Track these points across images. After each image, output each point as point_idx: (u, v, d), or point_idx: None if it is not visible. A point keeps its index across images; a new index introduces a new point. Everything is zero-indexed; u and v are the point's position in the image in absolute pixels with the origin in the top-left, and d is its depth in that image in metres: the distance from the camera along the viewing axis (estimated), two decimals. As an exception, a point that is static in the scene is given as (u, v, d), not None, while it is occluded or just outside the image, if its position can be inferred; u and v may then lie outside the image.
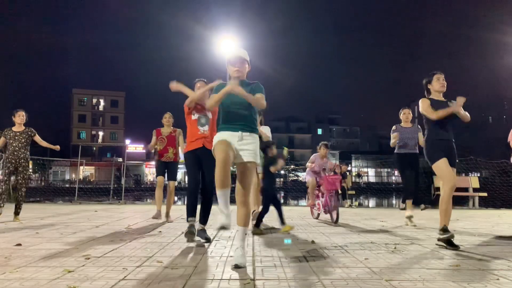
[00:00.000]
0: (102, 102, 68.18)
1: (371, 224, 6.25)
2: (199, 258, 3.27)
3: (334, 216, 6.05)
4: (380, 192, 27.17)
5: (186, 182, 4.77)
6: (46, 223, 5.83)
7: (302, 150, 70.97)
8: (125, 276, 2.63)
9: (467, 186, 11.56)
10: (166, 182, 6.49)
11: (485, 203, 12.61)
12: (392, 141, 6.24)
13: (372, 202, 25.34)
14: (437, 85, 4.21)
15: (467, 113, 4.14)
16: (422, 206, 9.86)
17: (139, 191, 33.48)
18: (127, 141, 50.53)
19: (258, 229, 4.97)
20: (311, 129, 75.46)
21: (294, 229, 4.95)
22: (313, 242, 4.19)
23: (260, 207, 6.22)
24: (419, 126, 6.32)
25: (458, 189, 11.28)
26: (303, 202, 19.68)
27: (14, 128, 6.40)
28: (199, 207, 4.34)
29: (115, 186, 17.42)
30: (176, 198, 16.17)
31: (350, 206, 11.82)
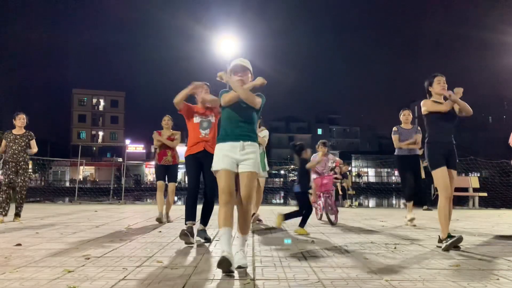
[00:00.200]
0: (102, 102, 68.16)
1: (371, 224, 6.25)
2: (199, 258, 3.27)
3: (332, 218, 6.02)
4: (380, 192, 27.18)
5: (186, 183, 4.77)
6: (46, 223, 5.83)
7: (302, 150, 70.85)
8: (125, 276, 2.63)
9: (467, 186, 11.56)
10: (168, 184, 6.48)
11: (485, 203, 12.60)
12: (395, 143, 6.27)
13: (372, 202, 25.32)
14: (438, 87, 4.21)
15: (466, 104, 4.13)
16: (425, 207, 9.88)
17: (139, 191, 33.46)
18: (127, 141, 50.53)
19: (303, 229, 4.98)
20: (311, 129, 75.43)
21: (308, 235, 4.83)
22: (313, 242, 4.19)
23: (259, 208, 6.22)
24: (419, 128, 6.32)
25: (458, 189, 11.33)
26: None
27: (14, 131, 6.39)
28: (199, 207, 4.34)
29: (115, 186, 17.41)
30: (176, 198, 16.17)
31: (350, 206, 11.81)
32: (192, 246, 3.87)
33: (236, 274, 2.75)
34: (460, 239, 3.80)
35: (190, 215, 4.38)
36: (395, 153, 6.31)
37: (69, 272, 2.74)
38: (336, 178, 9.57)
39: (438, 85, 4.20)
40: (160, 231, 4.98)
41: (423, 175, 7.15)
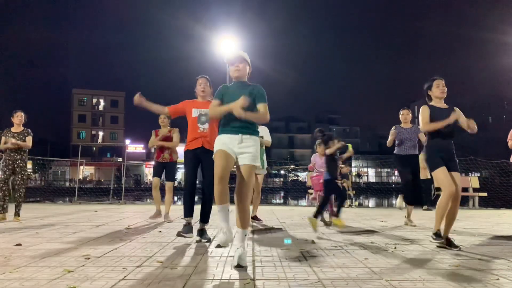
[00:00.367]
0: (102, 102, 68.18)
1: (371, 224, 6.25)
2: (199, 258, 3.27)
3: (327, 218, 5.93)
4: (380, 192, 27.21)
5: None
6: (46, 223, 5.83)
7: (302, 150, 70.95)
8: (125, 276, 2.63)
9: (467, 186, 11.54)
10: (165, 183, 6.47)
11: (485, 203, 12.60)
12: (389, 138, 6.26)
13: (372, 202, 25.33)
14: (437, 91, 4.20)
15: (472, 122, 4.04)
16: (425, 207, 9.88)
17: (139, 191, 33.47)
18: (127, 141, 50.59)
19: (314, 219, 4.91)
20: (311, 129, 75.28)
21: (345, 227, 4.81)
22: (313, 242, 4.19)
23: (258, 209, 6.18)
24: (419, 127, 6.31)
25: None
26: (303, 202, 19.68)
27: (12, 129, 6.39)
28: (199, 207, 4.34)
29: (115, 186, 17.42)
30: (176, 198, 16.17)
31: (350, 206, 11.82)
32: (192, 246, 3.87)
33: (236, 274, 2.75)
34: (442, 243, 3.89)
35: (187, 212, 4.39)
36: (394, 152, 6.30)
37: (69, 272, 2.74)
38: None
39: (437, 89, 4.19)
40: (160, 231, 4.98)
41: (425, 175, 7.14)
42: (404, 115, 6.34)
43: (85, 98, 67.12)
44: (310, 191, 11.66)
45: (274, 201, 25.18)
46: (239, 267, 2.90)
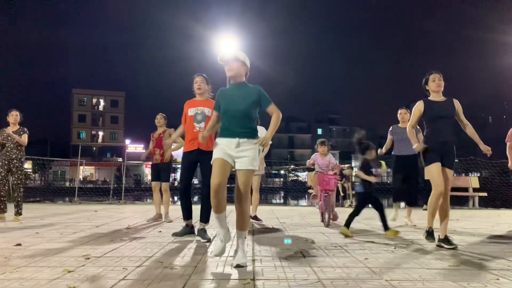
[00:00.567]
0: (102, 102, 68.17)
1: (371, 224, 6.24)
2: (199, 258, 3.27)
3: (326, 218, 5.80)
4: (380, 192, 27.10)
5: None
6: (46, 223, 5.83)
7: (302, 150, 70.94)
8: (125, 276, 2.63)
9: (467, 186, 11.54)
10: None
11: (485, 203, 12.59)
12: (386, 142, 6.25)
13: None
14: (433, 85, 4.21)
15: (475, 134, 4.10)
16: (425, 206, 9.86)
17: (139, 191, 33.47)
18: (127, 141, 50.57)
19: (347, 229, 4.66)
20: (311, 129, 75.43)
21: (400, 233, 4.49)
22: (313, 242, 4.19)
23: (257, 209, 6.13)
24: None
25: (458, 189, 11.31)
26: (303, 202, 19.68)
27: (8, 129, 6.36)
28: (199, 207, 4.34)
29: (115, 186, 17.42)
30: (176, 198, 16.16)
31: (350, 206, 11.81)
32: (192, 246, 3.87)
33: (236, 274, 2.75)
34: (433, 241, 3.95)
35: (184, 215, 4.41)
36: (392, 153, 6.27)
37: (69, 272, 2.74)
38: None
39: (433, 83, 4.21)
40: (160, 231, 4.98)
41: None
42: (402, 114, 6.30)
43: (85, 98, 67.11)
44: (311, 190, 11.65)
45: (274, 201, 25.18)
46: (239, 267, 2.91)
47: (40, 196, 16.92)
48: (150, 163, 6.60)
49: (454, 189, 9.54)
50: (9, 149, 6.25)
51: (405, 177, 6.07)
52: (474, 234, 5.06)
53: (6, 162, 6.23)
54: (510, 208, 11.19)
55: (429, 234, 4.01)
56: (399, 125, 6.33)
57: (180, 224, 5.72)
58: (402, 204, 6.65)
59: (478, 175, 15.67)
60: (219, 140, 3.15)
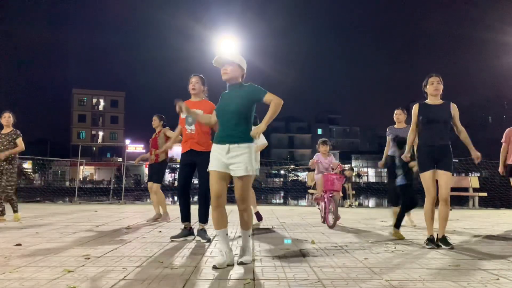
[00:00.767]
0: (102, 102, 68.18)
1: (371, 224, 6.25)
2: (199, 258, 3.28)
3: (331, 220, 5.69)
4: (380, 192, 27.14)
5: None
6: (46, 223, 5.83)
7: (302, 150, 71.00)
8: (125, 276, 2.63)
9: (467, 186, 11.54)
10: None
11: (485, 203, 12.60)
12: (385, 148, 6.23)
13: (372, 202, 25.32)
14: (431, 88, 4.20)
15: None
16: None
17: (139, 191, 33.45)
18: (127, 141, 50.56)
19: (397, 230, 4.61)
20: (311, 129, 75.46)
21: (403, 239, 4.46)
22: (313, 242, 4.19)
23: (256, 208, 6.05)
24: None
25: (458, 189, 11.30)
26: (303, 202, 19.68)
27: (1, 131, 6.31)
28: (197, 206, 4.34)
29: (115, 186, 17.42)
30: (175, 198, 16.16)
31: (350, 206, 11.82)
32: (192, 246, 3.87)
33: (235, 274, 2.75)
34: (433, 247, 3.88)
35: (182, 216, 4.41)
36: (389, 154, 6.23)
37: (69, 272, 2.74)
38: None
39: (431, 86, 4.19)
40: (160, 231, 4.98)
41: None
42: (397, 115, 6.25)
43: (85, 98, 67.11)
44: (311, 190, 11.64)
45: (274, 201, 25.18)
46: (242, 264, 2.97)
47: (40, 196, 16.91)
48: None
49: (454, 189, 9.53)
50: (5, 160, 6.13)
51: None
52: (474, 234, 5.06)
53: None
54: (510, 208, 11.19)
55: (430, 241, 3.96)
56: (395, 126, 6.32)
57: (180, 224, 5.71)
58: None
59: (478, 175, 15.68)
60: (213, 147, 3.15)
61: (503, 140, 6.18)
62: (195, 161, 4.26)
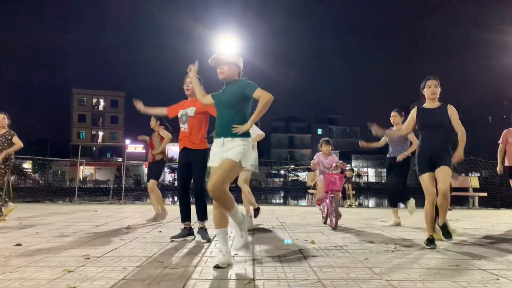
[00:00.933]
0: (102, 102, 68.20)
1: (371, 224, 6.25)
2: (199, 258, 3.28)
3: (333, 221, 5.59)
4: (380, 192, 27.12)
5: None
6: (46, 223, 5.83)
7: (302, 150, 71.01)
8: (125, 276, 2.63)
9: (467, 186, 11.54)
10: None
11: (485, 203, 12.60)
12: (381, 139, 6.25)
13: (372, 202, 25.32)
14: (428, 92, 4.21)
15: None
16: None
17: (139, 191, 33.43)
18: (127, 141, 50.54)
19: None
20: (311, 129, 75.48)
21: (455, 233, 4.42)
22: (313, 242, 4.19)
23: (252, 208, 5.99)
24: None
25: (458, 189, 11.30)
26: (303, 202, 19.68)
27: None
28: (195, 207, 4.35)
29: (115, 186, 17.42)
30: (175, 198, 16.16)
31: (350, 206, 11.83)
32: (192, 246, 3.87)
33: (236, 274, 2.75)
34: (433, 247, 3.86)
35: (182, 216, 4.41)
36: (387, 155, 6.24)
37: (69, 272, 2.74)
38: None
39: (428, 89, 4.20)
40: (160, 231, 4.98)
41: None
42: (393, 117, 6.24)
43: (85, 98, 67.12)
44: (311, 190, 11.63)
45: (274, 201, 25.18)
46: (237, 250, 3.07)
47: (40, 196, 16.89)
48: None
49: (454, 189, 9.52)
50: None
51: (396, 177, 6.04)
52: (474, 234, 5.06)
53: None
54: (510, 208, 11.20)
55: (430, 241, 3.96)
56: (394, 128, 6.31)
57: (180, 224, 5.71)
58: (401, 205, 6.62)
59: (478, 175, 15.66)
60: (213, 143, 3.21)
61: (500, 141, 6.19)
62: (190, 161, 4.28)
